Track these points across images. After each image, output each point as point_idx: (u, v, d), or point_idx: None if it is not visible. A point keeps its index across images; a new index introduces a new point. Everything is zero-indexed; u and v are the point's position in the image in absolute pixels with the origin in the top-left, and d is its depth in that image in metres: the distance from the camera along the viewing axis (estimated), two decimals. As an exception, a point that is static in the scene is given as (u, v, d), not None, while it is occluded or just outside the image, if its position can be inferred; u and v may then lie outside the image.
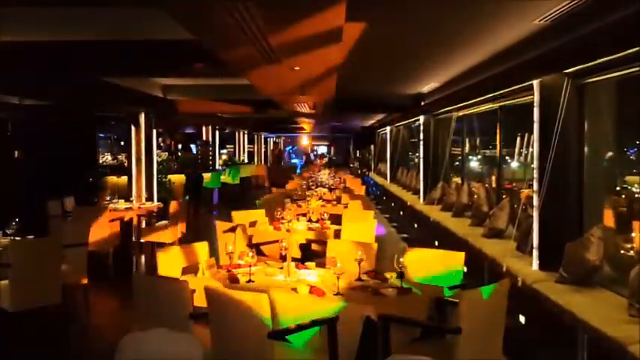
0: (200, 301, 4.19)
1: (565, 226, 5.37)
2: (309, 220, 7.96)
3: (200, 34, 5.97)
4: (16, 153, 13.35)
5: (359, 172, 28.62)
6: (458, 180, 10.72)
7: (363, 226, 7.38)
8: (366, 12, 5.06)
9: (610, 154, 5.66)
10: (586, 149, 5.35)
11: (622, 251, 4.99)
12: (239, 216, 8.03)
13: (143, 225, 10.63)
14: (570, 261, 4.85)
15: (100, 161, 15.35)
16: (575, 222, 5.36)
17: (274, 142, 41.92)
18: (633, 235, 4.80)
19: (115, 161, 16.23)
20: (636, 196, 5.83)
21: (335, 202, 10.77)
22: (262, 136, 35.72)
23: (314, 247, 7.22)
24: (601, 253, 4.70)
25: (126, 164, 13.60)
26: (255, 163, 30.72)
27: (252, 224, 7.60)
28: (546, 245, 5.41)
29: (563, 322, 4.28)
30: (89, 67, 8.63)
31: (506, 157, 8.75)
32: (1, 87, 9.83)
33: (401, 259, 4.52)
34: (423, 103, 11.67)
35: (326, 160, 40.36)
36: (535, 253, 5.47)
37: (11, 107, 12.15)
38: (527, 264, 5.52)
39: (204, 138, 21.36)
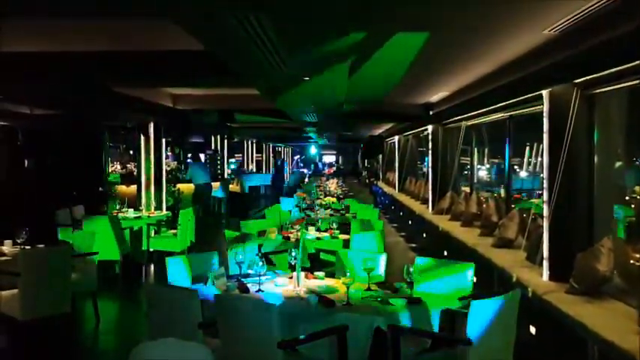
0: (210, 310, 4.20)
1: (575, 236, 5.34)
2: (318, 230, 7.97)
3: (212, 46, 6.01)
4: (26, 162, 13.44)
5: (367, 181, 28.61)
6: (467, 189, 10.70)
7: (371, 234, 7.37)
8: (377, 22, 5.08)
9: (619, 163, 5.64)
10: (596, 159, 5.33)
11: (632, 261, 4.97)
12: (248, 225, 8.05)
13: (152, 234, 10.66)
14: (581, 272, 4.82)
15: (110, 170, 15.42)
16: (585, 232, 5.34)
17: (277, 151, 40.75)
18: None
19: (125, 170, 16.29)
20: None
21: (344, 212, 10.77)
22: (270, 145, 35.81)
23: (323, 256, 7.22)
24: (611, 264, 4.67)
25: (135, 173, 13.67)
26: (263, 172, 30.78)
27: (261, 233, 7.61)
28: (556, 256, 5.39)
29: (573, 333, 4.26)
30: (99, 77, 8.69)
31: (515, 167, 8.72)
32: (12, 96, 9.91)
33: (410, 269, 4.52)
34: (431, 113, 11.67)
35: (334, 169, 40.34)
36: (545, 263, 5.44)
37: (22, 116, 12.24)
38: (537, 274, 5.50)
39: (212, 147, 21.46)
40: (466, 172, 11.21)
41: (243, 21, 4.51)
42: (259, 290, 4.62)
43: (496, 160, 10.14)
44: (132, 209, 10.91)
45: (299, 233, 7.38)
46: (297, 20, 4.76)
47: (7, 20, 5.88)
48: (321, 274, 5.12)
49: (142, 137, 12.63)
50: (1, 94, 9.46)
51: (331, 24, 4.89)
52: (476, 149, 10.44)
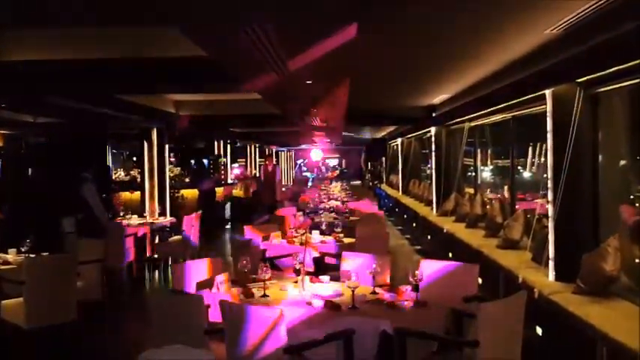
0: (215, 316, 4.19)
1: (581, 236, 5.32)
2: (322, 233, 7.95)
3: (217, 55, 6.01)
4: (30, 170, 13.44)
5: (370, 184, 28.58)
6: (471, 190, 10.67)
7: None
8: (378, 25, 5.07)
9: (623, 162, 5.62)
10: (600, 158, 5.31)
11: (638, 260, 4.94)
12: (252, 230, 8.03)
13: (156, 240, 10.66)
14: (587, 272, 4.80)
15: (113, 177, 15.43)
16: (591, 232, 5.32)
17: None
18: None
19: (128, 177, 16.29)
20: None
21: (348, 215, 10.75)
22: (274, 150, 35.76)
23: (328, 260, 7.20)
24: (618, 264, 4.65)
25: (139, 180, 13.67)
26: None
27: (266, 238, 7.60)
28: (562, 256, 5.36)
29: (581, 333, 4.24)
30: (102, 85, 8.69)
31: (519, 167, 8.70)
32: (15, 105, 9.92)
33: (416, 272, 4.50)
34: (434, 115, 11.66)
35: (337, 172, 40.27)
36: (551, 264, 5.42)
37: (25, 125, 12.26)
38: (543, 275, 5.48)
39: (215, 152, 21.44)
40: (470, 174, 11.19)
41: (248, 31, 4.51)
42: (264, 295, 4.61)
43: (499, 162, 10.10)
44: (136, 215, 10.91)
45: (303, 237, 7.36)
46: (300, 26, 4.76)
47: (10, 29, 5.90)
48: (326, 277, 5.11)
49: (145, 143, 12.63)
50: (4, 103, 9.48)
51: (335, 28, 4.88)
52: (479, 150, 10.42)
